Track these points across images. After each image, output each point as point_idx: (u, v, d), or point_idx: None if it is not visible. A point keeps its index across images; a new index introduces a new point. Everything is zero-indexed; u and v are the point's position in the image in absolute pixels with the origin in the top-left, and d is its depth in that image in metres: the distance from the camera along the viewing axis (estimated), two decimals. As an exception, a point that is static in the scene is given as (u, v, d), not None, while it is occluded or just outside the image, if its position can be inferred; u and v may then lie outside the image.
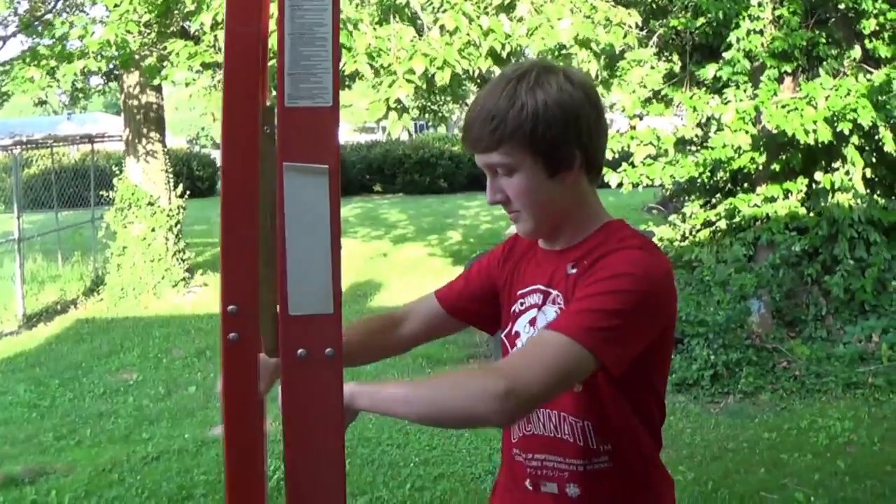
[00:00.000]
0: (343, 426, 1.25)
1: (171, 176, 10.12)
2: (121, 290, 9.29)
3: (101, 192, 10.53)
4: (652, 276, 1.36)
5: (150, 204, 9.54)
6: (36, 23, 8.58)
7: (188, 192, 10.31)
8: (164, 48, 7.36)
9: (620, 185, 7.05)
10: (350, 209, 18.25)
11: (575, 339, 1.28)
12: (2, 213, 14.94)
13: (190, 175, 21.95)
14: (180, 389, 6.20)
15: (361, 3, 6.38)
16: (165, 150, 10.23)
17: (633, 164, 7.09)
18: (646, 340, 1.37)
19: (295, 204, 1.11)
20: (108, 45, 6.98)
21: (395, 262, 11.60)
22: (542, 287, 1.49)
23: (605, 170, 7.20)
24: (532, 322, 1.50)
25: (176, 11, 7.46)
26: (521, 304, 1.53)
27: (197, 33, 8.11)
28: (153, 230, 9.42)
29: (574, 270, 1.43)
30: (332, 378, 1.20)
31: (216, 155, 29.40)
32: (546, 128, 1.36)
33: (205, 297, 9.34)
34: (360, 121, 28.64)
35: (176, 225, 9.75)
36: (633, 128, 7.22)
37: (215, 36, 6.54)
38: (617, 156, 7.09)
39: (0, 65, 8.47)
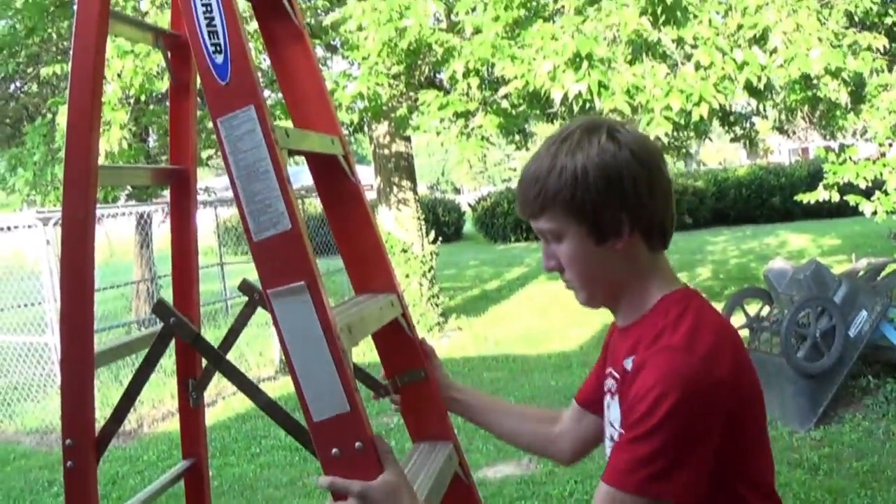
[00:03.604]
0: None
1: (422, 223, 10.58)
2: (377, 336, 9.83)
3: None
4: (689, 389, 1.21)
5: (404, 251, 9.97)
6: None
7: (440, 238, 10.72)
8: (416, 99, 7.74)
9: (875, 213, 6.84)
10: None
11: (619, 489, 1.22)
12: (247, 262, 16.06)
13: (436, 220, 23.09)
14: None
15: (614, 41, 6.44)
16: (416, 197, 10.72)
17: (886, 192, 6.81)
18: (706, 456, 1.24)
19: (288, 326, 1.24)
20: (361, 97, 7.42)
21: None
22: (613, 371, 1.42)
23: (857, 199, 6.93)
24: (607, 409, 1.46)
25: (421, 63, 7.78)
26: (604, 387, 1.47)
27: (443, 82, 8.42)
28: (407, 276, 9.79)
29: (630, 365, 1.32)
30: (368, 468, 1.30)
31: (459, 200, 30.67)
32: (585, 192, 1.29)
33: (459, 340, 9.55)
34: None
35: (429, 271, 10.14)
36: (884, 154, 6.95)
37: (468, 83, 6.80)
38: (870, 184, 6.90)
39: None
